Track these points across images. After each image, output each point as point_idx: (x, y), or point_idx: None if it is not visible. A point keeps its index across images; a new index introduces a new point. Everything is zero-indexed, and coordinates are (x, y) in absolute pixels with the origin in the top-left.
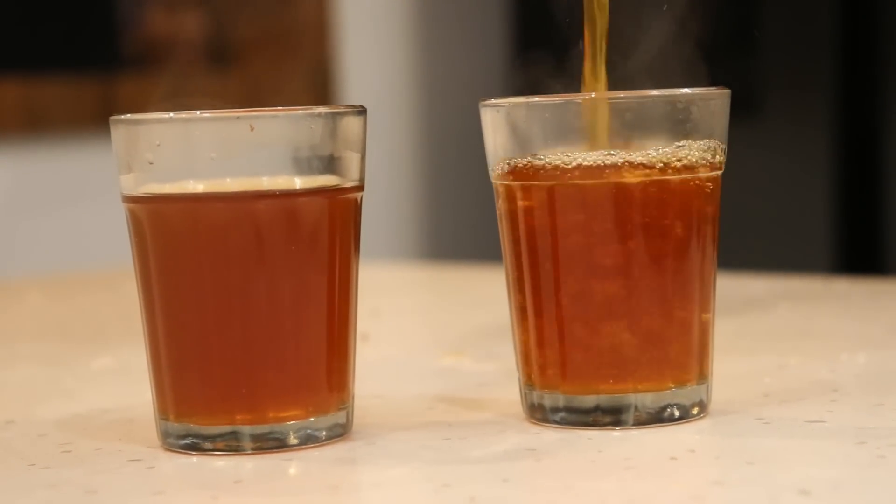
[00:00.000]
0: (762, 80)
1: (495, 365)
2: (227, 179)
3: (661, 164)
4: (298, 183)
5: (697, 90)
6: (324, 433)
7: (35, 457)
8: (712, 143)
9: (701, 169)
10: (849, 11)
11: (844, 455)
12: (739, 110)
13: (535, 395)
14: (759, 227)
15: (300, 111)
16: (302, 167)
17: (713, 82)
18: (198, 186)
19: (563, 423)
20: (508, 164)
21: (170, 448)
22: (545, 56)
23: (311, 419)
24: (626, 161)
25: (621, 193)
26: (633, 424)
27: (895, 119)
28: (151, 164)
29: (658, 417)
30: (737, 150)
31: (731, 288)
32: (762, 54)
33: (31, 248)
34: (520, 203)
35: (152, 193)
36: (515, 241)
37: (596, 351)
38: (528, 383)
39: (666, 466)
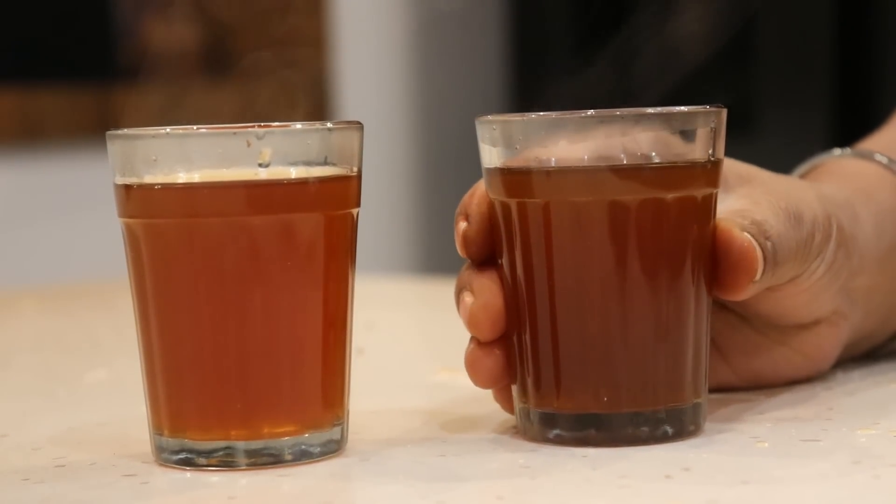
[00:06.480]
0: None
1: None
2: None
3: (657, 181)
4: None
5: (693, 107)
6: (318, 449)
7: (29, 471)
8: (708, 160)
9: (696, 186)
10: (845, 27)
11: (839, 474)
12: (736, 127)
13: (531, 413)
14: None
15: (297, 126)
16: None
17: (709, 99)
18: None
19: (558, 440)
20: (504, 180)
21: (164, 463)
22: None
23: (306, 435)
24: (622, 176)
25: (616, 211)
26: (628, 442)
27: None
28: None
29: (653, 435)
30: None
31: None
32: (758, 71)
33: (26, 258)
34: (515, 219)
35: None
36: (510, 257)
37: (591, 368)
38: (523, 400)
39: (661, 485)
